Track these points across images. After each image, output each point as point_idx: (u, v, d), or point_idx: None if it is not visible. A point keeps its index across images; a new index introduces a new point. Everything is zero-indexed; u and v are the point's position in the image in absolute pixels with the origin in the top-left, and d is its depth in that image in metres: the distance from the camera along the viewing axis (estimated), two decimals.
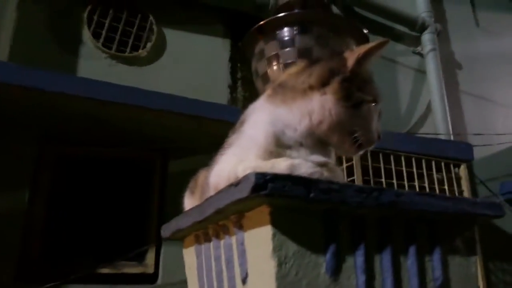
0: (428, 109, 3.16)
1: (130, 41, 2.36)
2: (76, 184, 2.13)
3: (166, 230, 1.02)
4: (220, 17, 2.61)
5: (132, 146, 2.25)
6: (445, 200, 0.81)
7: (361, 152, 0.82)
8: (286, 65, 1.09)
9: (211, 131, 1.90)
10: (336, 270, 0.70)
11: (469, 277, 0.83)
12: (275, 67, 1.16)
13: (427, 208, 0.78)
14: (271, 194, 0.64)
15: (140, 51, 2.37)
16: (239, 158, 0.77)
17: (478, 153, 2.81)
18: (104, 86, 1.99)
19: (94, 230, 2.08)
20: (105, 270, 1.99)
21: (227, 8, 2.59)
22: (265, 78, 1.23)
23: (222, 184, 0.73)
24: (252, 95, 2.43)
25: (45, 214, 2.01)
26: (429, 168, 2.48)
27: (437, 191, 2.46)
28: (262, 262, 0.68)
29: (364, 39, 1.16)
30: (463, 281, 0.81)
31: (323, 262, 0.69)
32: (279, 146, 0.76)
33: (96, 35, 2.27)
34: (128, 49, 2.34)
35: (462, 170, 2.63)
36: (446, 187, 2.50)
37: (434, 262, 0.79)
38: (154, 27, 2.43)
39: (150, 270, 2.05)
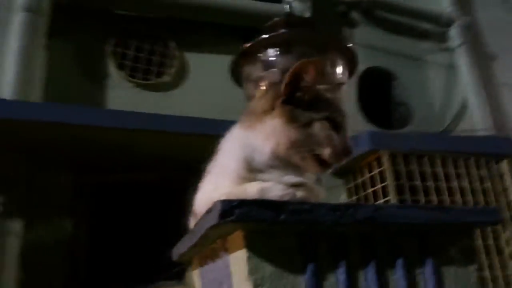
0: (464, 105, 3.05)
1: (154, 68, 2.46)
2: (113, 209, 2.23)
3: (174, 254, 1.06)
4: (240, 36, 2.66)
5: (165, 170, 2.33)
6: (432, 210, 0.80)
7: (330, 169, 0.81)
8: None
9: None
10: None
11: (469, 287, 0.80)
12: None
13: (412, 221, 0.77)
14: (239, 219, 0.66)
15: (164, 77, 2.47)
16: (215, 185, 0.80)
17: None
18: (130, 115, 2.09)
19: (133, 252, 2.18)
20: None
21: (246, 26, 2.64)
22: None
23: (202, 211, 0.76)
24: None
25: (87, 240, 2.12)
26: (468, 167, 2.38)
27: (480, 190, 2.36)
28: (241, 285, 0.70)
29: (351, 55, 1.16)
30: None
31: (302, 282, 0.70)
32: (251, 170, 0.78)
33: (121, 67, 2.39)
34: (152, 77, 2.45)
35: (505, 166, 2.51)
36: (489, 185, 2.40)
37: (426, 275, 0.78)
38: (176, 52, 2.53)
39: None
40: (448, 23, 3.12)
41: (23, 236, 1.90)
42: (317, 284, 0.71)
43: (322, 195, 0.83)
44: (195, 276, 1.04)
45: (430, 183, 2.19)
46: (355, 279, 0.74)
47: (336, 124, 0.81)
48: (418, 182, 2.17)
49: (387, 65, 3.02)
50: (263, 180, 0.77)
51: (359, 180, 2.39)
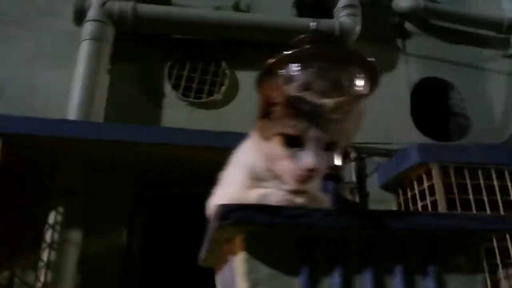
0: None
1: (206, 87, 2.61)
2: (167, 221, 2.37)
3: (199, 259, 1.13)
4: None
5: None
6: (438, 217, 0.80)
7: (305, 185, 0.79)
8: None
9: None
10: None
11: None
12: None
13: (414, 227, 0.78)
14: (234, 222, 0.72)
15: (215, 95, 2.60)
16: (224, 192, 0.87)
17: None
18: (183, 132, 2.22)
19: (185, 263, 2.29)
20: None
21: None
22: None
23: (212, 216, 0.82)
24: None
25: (141, 250, 2.27)
26: None
27: None
28: (240, 286, 0.76)
29: (370, 67, 1.17)
30: None
31: (297, 284, 0.74)
32: (254, 179, 0.83)
33: (176, 87, 2.56)
34: (204, 95, 2.59)
35: None
36: None
37: (428, 281, 0.78)
38: (227, 71, 2.65)
39: None
40: (511, 29, 2.98)
41: (82, 245, 2.07)
42: (312, 287, 0.74)
43: (326, 203, 0.85)
44: (216, 280, 1.10)
45: (483, 197, 2.09)
46: (351, 284, 0.76)
47: (296, 140, 0.78)
48: (470, 196, 2.09)
49: (443, 75, 2.94)
50: (266, 188, 0.82)
51: (409, 194, 2.34)
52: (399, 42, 2.90)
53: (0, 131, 1.96)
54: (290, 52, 1.15)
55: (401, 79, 2.82)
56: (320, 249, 0.77)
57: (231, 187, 0.86)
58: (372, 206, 2.51)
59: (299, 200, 0.79)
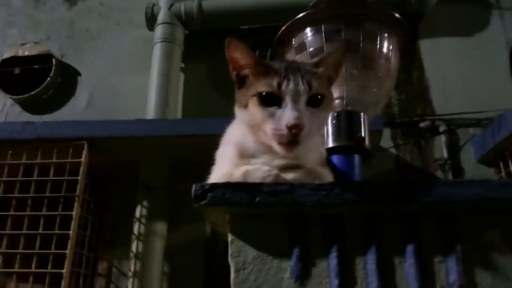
0: None
1: None
2: None
3: None
4: None
5: None
6: (458, 185, 0.67)
7: (292, 150, 0.71)
8: None
9: None
10: (303, 275, 0.66)
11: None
12: None
13: (425, 199, 0.66)
14: (212, 203, 0.68)
15: None
16: (215, 172, 0.82)
17: None
18: None
19: None
20: None
21: None
22: None
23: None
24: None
25: (226, 243, 2.31)
26: None
27: None
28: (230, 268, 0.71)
29: (400, 25, 0.99)
30: (502, 286, 0.64)
31: (287, 266, 0.67)
32: (244, 156, 0.77)
33: None
34: None
35: None
36: None
37: (448, 263, 0.65)
38: None
39: None
40: None
41: (168, 237, 2.17)
42: (304, 270, 0.67)
43: (327, 178, 0.76)
44: None
45: None
46: (351, 266, 0.66)
47: (272, 98, 0.73)
48: None
49: None
50: (253, 164, 0.76)
51: (511, 168, 2.02)
52: None
53: (85, 136, 2.12)
54: (301, 15, 1.05)
55: (496, 38, 2.45)
56: (315, 228, 0.69)
57: (222, 167, 0.81)
58: None
59: (290, 175, 0.72)
